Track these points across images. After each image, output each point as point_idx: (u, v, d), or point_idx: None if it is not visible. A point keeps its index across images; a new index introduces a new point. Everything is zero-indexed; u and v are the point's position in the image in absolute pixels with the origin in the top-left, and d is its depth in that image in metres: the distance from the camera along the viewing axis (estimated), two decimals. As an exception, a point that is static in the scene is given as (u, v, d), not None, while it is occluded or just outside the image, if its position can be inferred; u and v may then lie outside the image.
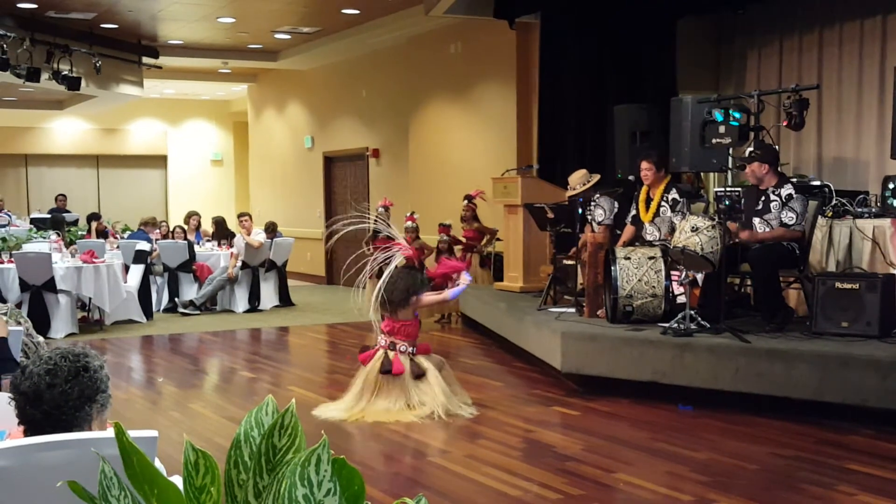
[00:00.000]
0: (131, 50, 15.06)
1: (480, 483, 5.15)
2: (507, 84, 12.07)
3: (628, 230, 8.15)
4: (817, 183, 8.42)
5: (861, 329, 6.70)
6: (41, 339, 4.60)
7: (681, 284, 7.37)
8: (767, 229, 7.22)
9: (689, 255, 6.87)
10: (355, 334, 10.83)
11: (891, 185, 7.63)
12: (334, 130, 16.77)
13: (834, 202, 7.94)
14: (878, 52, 9.10)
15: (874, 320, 6.67)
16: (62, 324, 10.79)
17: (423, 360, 6.83)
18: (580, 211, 8.68)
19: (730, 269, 7.21)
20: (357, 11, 12.95)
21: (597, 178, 8.79)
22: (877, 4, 9.08)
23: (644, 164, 7.93)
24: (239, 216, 13.58)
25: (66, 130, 21.63)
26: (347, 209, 16.55)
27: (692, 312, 7.00)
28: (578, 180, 8.76)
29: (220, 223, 14.29)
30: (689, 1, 10.21)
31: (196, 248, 13.40)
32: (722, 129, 7.81)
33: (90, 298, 11.23)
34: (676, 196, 7.84)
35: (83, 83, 13.89)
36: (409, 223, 11.62)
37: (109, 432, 2.48)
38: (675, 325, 7.01)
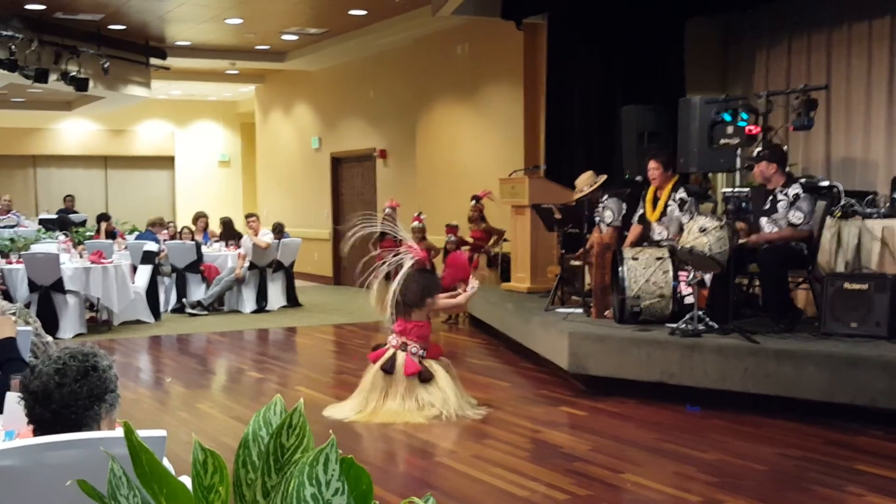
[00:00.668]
0: (139, 51, 15.09)
1: (488, 483, 5.15)
2: (515, 85, 12.07)
3: (635, 229, 8.13)
4: (826, 183, 8.39)
5: (870, 330, 6.67)
6: (50, 339, 4.60)
7: (689, 285, 7.35)
8: (775, 229, 7.20)
9: (697, 256, 6.85)
10: (362, 335, 10.83)
11: (900, 186, 7.60)
12: (342, 131, 16.78)
13: (843, 202, 7.92)
14: (886, 53, 9.08)
15: (883, 321, 6.65)
16: (70, 324, 10.82)
17: (433, 364, 6.83)
18: (588, 212, 8.67)
19: (738, 270, 7.19)
20: (364, 12, 12.96)
21: (603, 178, 8.78)
22: (886, 5, 9.06)
23: (652, 164, 7.92)
24: (246, 217, 13.60)
25: (74, 131, 21.69)
26: (355, 210, 16.59)
27: (700, 313, 6.98)
28: (585, 181, 8.75)
29: (227, 224, 14.31)
30: (698, 1, 10.19)
31: (204, 248, 13.42)
32: (730, 129, 7.79)
33: (98, 299, 11.26)
34: (684, 195, 7.83)
35: (91, 84, 13.92)
36: (416, 223, 11.63)
37: (118, 432, 2.49)
38: (683, 325, 7.00)
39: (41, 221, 15.51)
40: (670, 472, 5.33)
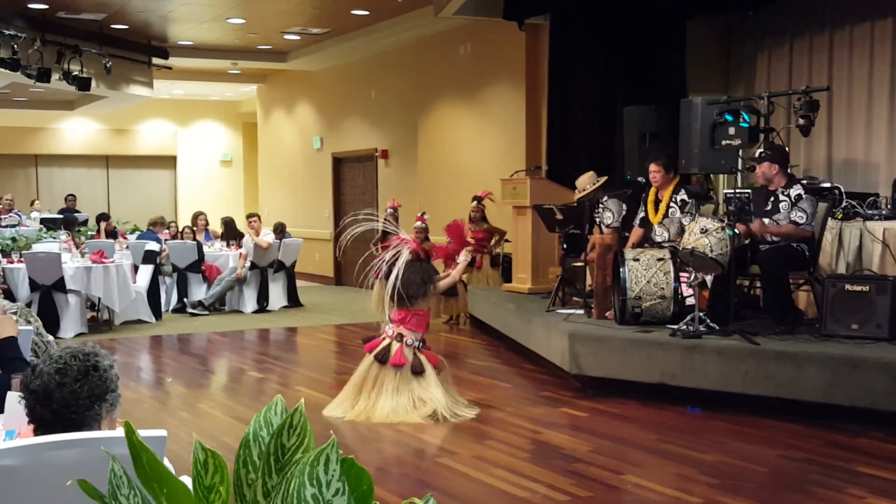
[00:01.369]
0: (141, 51, 15.10)
1: (488, 484, 5.15)
2: (517, 85, 12.07)
3: (636, 232, 8.13)
4: (827, 185, 8.39)
5: (871, 331, 6.67)
6: (51, 338, 4.61)
7: (690, 286, 7.35)
8: (776, 230, 7.20)
9: (698, 257, 6.85)
10: (364, 335, 10.80)
11: (901, 188, 7.60)
12: (343, 131, 16.79)
13: (844, 204, 7.92)
14: (888, 54, 9.08)
15: (884, 322, 6.65)
16: (71, 323, 10.82)
17: (424, 360, 6.80)
18: (589, 213, 8.67)
19: (739, 271, 7.19)
20: (366, 12, 12.96)
21: (604, 179, 8.78)
22: (887, 6, 9.06)
23: (652, 167, 7.92)
24: (248, 217, 13.60)
25: (76, 131, 21.70)
26: (356, 210, 16.58)
27: (701, 314, 6.98)
28: (587, 181, 8.76)
29: (229, 224, 14.31)
30: (699, 2, 10.19)
31: (205, 248, 13.43)
32: (732, 130, 7.79)
33: (99, 298, 11.26)
34: (685, 197, 7.83)
35: (93, 84, 13.93)
36: (419, 223, 11.62)
37: (119, 431, 2.49)
38: (684, 326, 7.00)
39: (42, 221, 15.52)
40: (671, 473, 5.33)
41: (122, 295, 11.22)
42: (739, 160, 8.24)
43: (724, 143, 7.89)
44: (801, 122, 7.78)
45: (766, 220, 7.22)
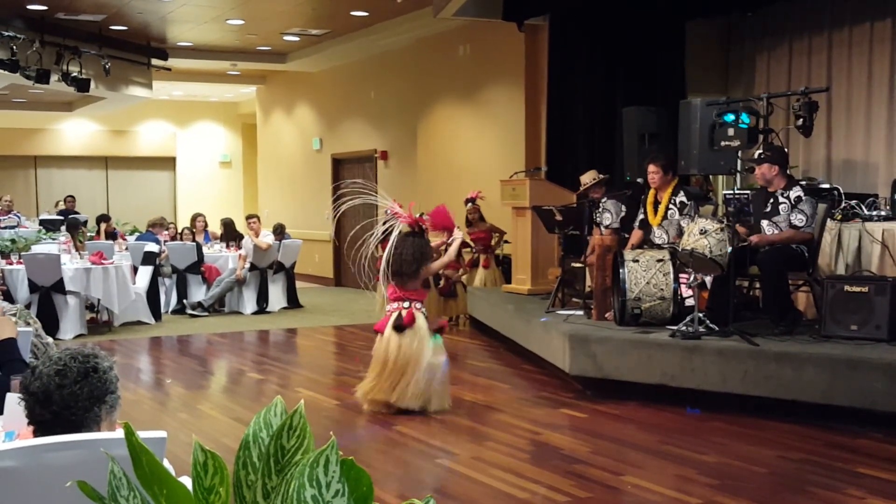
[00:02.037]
0: (140, 52, 15.10)
1: (488, 485, 5.15)
2: (516, 86, 12.07)
3: (636, 234, 8.13)
4: (826, 186, 8.39)
5: (870, 332, 6.67)
6: (50, 340, 4.61)
7: (689, 287, 7.35)
8: (776, 231, 7.20)
9: (697, 258, 6.85)
10: (363, 336, 10.82)
11: (900, 188, 7.60)
12: (343, 132, 16.79)
13: (843, 205, 7.92)
14: (887, 55, 9.08)
15: (883, 323, 6.65)
16: (71, 325, 10.81)
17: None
18: (589, 214, 8.67)
19: (738, 272, 7.19)
20: (366, 13, 12.97)
21: (605, 176, 8.80)
22: (886, 7, 9.06)
23: (651, 168, 7.92)
24: (247, 218, 13.60)
25: (75, 132, 21.70)
26: (356, 211, 16.59)
27: (700, 315, 6.98)
28: (589, 178, 8.78)
29: (228, 225, 14.31)
30: (699, 3, 10.20)
31: (204, 249, 13.42)
32: (731, 131, 7.79)
33: (99, 300, 11.26)
34: (684, 198, 7.83)
35: (92, 85, 13.93)
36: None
37: (119, 433, 2.49)
38: (684, 327, 7.00)
39: (42, 222, 15.51)
40: (670, 474, 5.33)
41: (121, 296, 11.22)
42: (738, 161, 8.24)
43: (723, 144, 7.89)
44: (801, 122, 7.78)
45: (765, 222, 7.22)
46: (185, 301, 12.97)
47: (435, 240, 7.24)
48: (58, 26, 13.34)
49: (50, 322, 10.06)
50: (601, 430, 6.31)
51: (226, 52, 16.02)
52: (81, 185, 21.32)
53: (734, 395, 6.63)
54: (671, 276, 7.40)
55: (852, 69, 9.44)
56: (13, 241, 12.16)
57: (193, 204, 20.18)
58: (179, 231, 14.32)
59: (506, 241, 11.48)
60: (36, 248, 11.93)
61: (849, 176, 9.32)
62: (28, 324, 4.51)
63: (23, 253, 11.39)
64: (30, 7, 12.48)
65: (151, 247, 12.42)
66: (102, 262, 11.13)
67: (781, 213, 7.17)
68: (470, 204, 11.63)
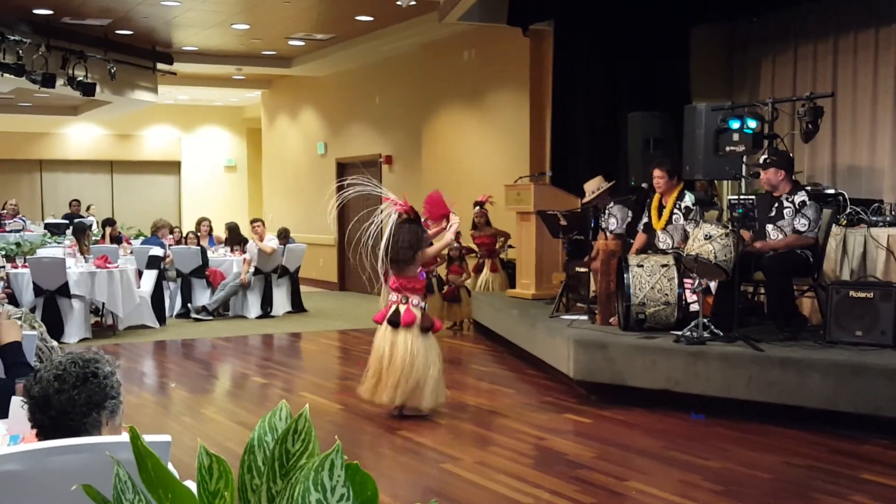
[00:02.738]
0: (146, 56, 15.13)
1: (492, 490, 5.14)
2: (521, 91, 12.08)
3: (640, 238, 8.13)
4: (831, 191, 8.38)
5: (875, 338, 6.66)
6: (55, 343, 4.61)
7: (694, 292, 7.35)
8: (780, 236, 7.19)
9: (702, 263, 6.85)
10: (368, 340, 10.78)
11: (906, 194, 7.59)
12: (347, 137, 16.80)
13: (848, 211, 7.91)
14: (892, 61, 9.07)
15: (888, 329, 6.64)
16: (76, 328, 10.83)
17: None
18: (594, 219, 8.67)
19: (743, 277, 7.18)
20: (371, 18, 12.98)
21: (611, 183, 8.79)
22: (892, 13, 9.05)
23: (656, 172, 7.92)
24: (252, 222, 13.61)
25: (80, 136, 21.75)
26: (360, 216, 16.57)
27: (705, 320, 6.97)
28: (594, 185, 8.78)
29: (233, 229, 14.32)
30: (704, 9, 10.19)
31: (209, 253, 13.43)
32: (736, 136, 7.79)
33: (103, 303, 11.27)
34: (689, 203, 7.82)
35: (98, 89, 13.96)
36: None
37: (124, 437, 2.49)
38: (688, 332, 6.99)
39: (47, 226, 15.55)
40: (675, 479, 5.32)
41: (126, 300, 11.23)
42: (743, 166, 8.23)
43: (727, 149, 7.88)
44: (806, 128, 7.77)
45: (770, 227, 7.22)
46: (189, 305, 12.98)
47: (434, 228, 7.21)
48: (64, 30, 13.38)
49: (55, 326, 10.08)
50: (605, 435, 6.30)
51: (231, 56, 16.05)
52: (86, 189, 21.36)
53: (739, 401, 6.61)
54: (676, 281, 7.39)
55: (857, 75, 9.43)
56: (18, 244, 12.20)
57: (198, 208, 20.20)
58: (184, 235, 14.34)
59: (510, 246, 11.48)
60: (41, 252, 11.96)
61: (854, 181, 9.31)
62: (33, 327, 4.51)
63: (28, 257, 11.41)
64: (36, 11, 12.51)
65: (156, 251, 12.43)
66: (107, 265, 11.15)
67: (786, 217, 7.16)
68: (478, 207, 11.62)
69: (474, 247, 11.78)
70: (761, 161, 7.46)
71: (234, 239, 14.08)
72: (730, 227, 6.92)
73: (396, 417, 6.79)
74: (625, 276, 7.46)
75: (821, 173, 9.69)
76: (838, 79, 9.59)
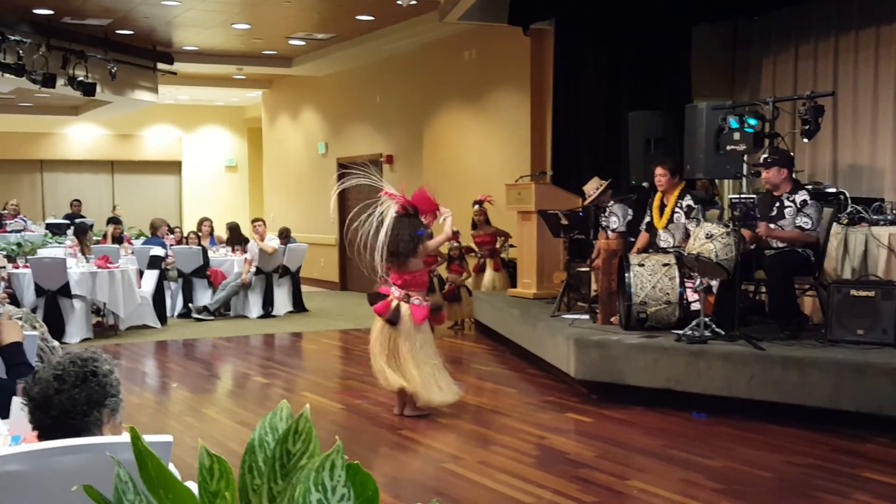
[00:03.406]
0: (146, 56, 15.13)
1: (494, 489, 5.14)
2: (522, 90, 12.08)
3: (642, 237, 8.13)
4: (833, 190, 8.38)
5: (877, 337, 6.66)
6: (56, 343, 4.61)
7: (695, 291, 7.34)
8: (782, 235, 7.19)
9: (703, 262, 6.84)
10: (368, 340, 10.81)
11: (907, 193, 7.59)
12: (348, 136, 16.81)
13: (849, 209, 7.90)
14: (893, 59, 9.06)
15: (890, 328, 6.64)
16: (77, 329, 10.83)
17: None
18: (594, 218, 8.67)
19: (744, 276, 7.18)
20: (371, 18, 12.98)
21: (608, 182, 8.80)
22: (893, 11, 9.04)
23: (658, 170, 7.91)
24: (253, 222, 13.62)
25: (81, 136, 21.76)
26: (362, 215, 16.58)
27: (706, 319, 6.97)
28: (592, 187, 8.77)
29: (234, 229, 14.33)
30: (705, 8, 10.19)
31: (210, 253, 13.44)
32: (737, 135, 7.79)
33: (105, 303, 11.28)
34: (691, 202, 7.82)
35: (98, 89, 13.97)
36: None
37: (124, 437, 2.49)
38: (690, 332, 6.99)
39: (48, 226, 15.55)
40: (676, 478, 5.32)
41: (127, 300, 11.24)
42: (744, 165, 8.22)
43: (729, 148, 7.87)
44: (807, 127, 7.77)
45: (772, 226, 7.21)
46: (190, 305, 12.99)
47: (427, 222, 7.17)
48: (64, 30, 13.38)
49: (56, 326, 10.08)
50: (607, 434, 6.30)
51: (231, 56, 16.06)
52: (87, 189, 21.38)
53: (740, 400, 6.61)
54: (677, 280, 7.39)
55: (858, 73, 9.42)
56: (19, 244, 12.20)
57: (199, 208, 20.22)
58: (185, 235, 14.34)
59: (511, 245, 11.47)
60: (42, 252, 11.96)
61: (855, 180, 9.30)
62: (34, 327, 4.51)
63: (29, 257, 11.42)
64: (36, 11, 12.51)
65: (157, 251, 12.44)
66: (108, 266, 11.15)
67: (787, 216, 7.15)
68: (477, 206, 11.62)
69: (474, 246, 11.78)
70: (762, 160, 7.46)
71: (235, 239, 14.09)
72: (731, 226, 6.91)
73: (400, 416, 6.80)
74: (626, 275, 7.46)
75: (822, 172, 9.68)
76: (839, 77, 9.59)
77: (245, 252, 13.33)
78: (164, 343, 10.98)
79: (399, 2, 11.32)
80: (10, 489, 2.39)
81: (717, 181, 9.76)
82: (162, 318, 12.04)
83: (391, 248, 6.59)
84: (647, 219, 8.12)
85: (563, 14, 10.83)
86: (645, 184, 8.76)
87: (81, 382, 2.51)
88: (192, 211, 21.25)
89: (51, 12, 12.60)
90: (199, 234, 14.13)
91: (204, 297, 13.11)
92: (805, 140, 8.04)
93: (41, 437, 2.53)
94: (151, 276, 11.99)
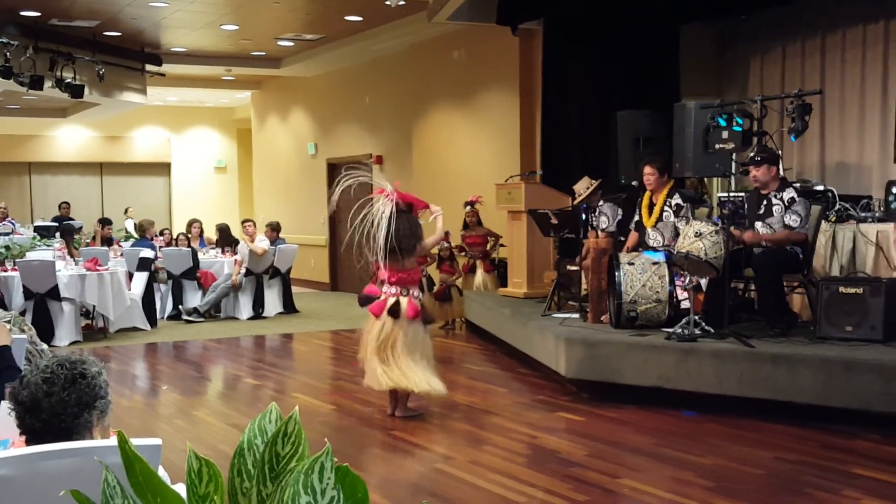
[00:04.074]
0: (135, 57, 15.10)
1: (485, 489, 5.14)
2: (511, 90, 12.08)
3: (632, 237, 8.14)
4: (820, 188, 8.41)
5: (865, 333, 6.68)
6: (45, 346, 4.60)
7: (685, 289, 7.36)
8: (770, 233, 7.20)
9: (692, 261, 6.86)
10: (359, 341, 10.80)
11: (894, 190, 7.62)
12: (338, 137, 16.79)
13: (837, 207, 7.93)
14: (880, 57, 9.10)
15: (878, 324, 6.66)
16: (66, 332, 10.79)
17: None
18: (584, 217, 8.68)
19: (734, 274, 7.20)
20: (360, 18, 12.98)
21: (598, 182, 8.80)
22: (879, 10, 9.08)
23: (647, 169, 7.93)
24: (243, 223, 13.60)
25: (69, 138, 21.69)
26: (351, 216, 16.57)
27: (696, 317, 6.99)
28: (581, 187, 8.78)
29: (223, 230, 14.31)
30: (693, 7, 10.21)
31: (200, 255, 13.41)
32: (725, 134, 7.81)
33: (94, 306, 11.24)
34: (679, 201, 7.83)
35: (86, 91, 13.92)
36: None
37: (113, 440, 2.48)
38: (680, 330, 7.00)
39: (36, 229, 15.49)
40: (668, 476, 5.33)
41: (116, 302, 11.20)
42: (733, 164, 8.25)
43: (717, 146, 7.90)
44: (794, 125, 7.80)
45: (759, 224, 7.23)
46: (180, 307, 12.95)
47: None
48: (51, 32, 13.34)
49: (45, 329, 10.05)
50: (598, 433, 6.31)
51: (220, 57, 16.02)
52: (76, 191, 21.31)
53: (730, 398, 6.63)
54: (666, 278, 7.41)
55: (845, 72, 9.46)
56: (8, 247, 12.15)
57: (189, 209, 20.18)
58: (175, 237, 14.31)
59: (502, 245, 11.48)
60: (31, 255, 11.92)
61: (842, 178, 9.34)
62: (23, 331, 4.50)
63: (17, 260, 11.37)
64: (23, 13, 12.47)
65: (147, 253, 12.41)
66: (97, 268, 11.12)
67: (775, 214, 7.17)
68: (469, 207, 11.62)
69: (464, 246, 11.78)
70: (750, 158, 7.48)
71: (225, 240, 14.06)
72: (720, 225, 6.93)
73: (392, 417, 6.80)
74: (616, 273, 7.47)
75: (810, 170, 9.72)
76: (826, 76, 9.63)
77: (235, 253, 13.31)
78: (153, 345, 10.95)
79: (387, 2, 11.31)
80: (-1, 494, 2.38)
81: (705, 179, 9.79)
82: (152, 320, 12.01)
83: (393, 244, 6.54)
84: (637, 218, 8.14)
85: (552, 14, 10.84)
86: (634, 182, 8.77)
87: (71, 385, 2.50)
88: (181, 212, 21.21)
89: (38, 14, 12.55)
90: (189, 235, 14.10)
91: (194, 298, 13.08)
92: (793, 138, 8.06)
93: (29, 442, 2.52)
94: (141, 279, 11.96)
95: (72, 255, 11.88)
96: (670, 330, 7.11)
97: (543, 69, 11.04)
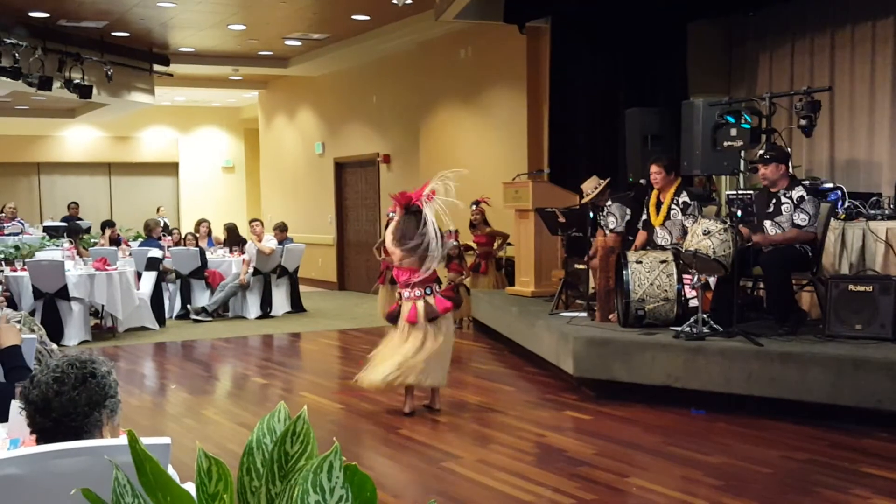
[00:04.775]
0: (142, 58, 15.13)
1: (493, 488, 5.14)
2: (518, 88, 12.07)
3: (641, 235, 8.12)
4: (830, 185, 8.39)
5: (875, 331, 6.66)
6: (55, 346, 4.61)
7: (693, 288, 7.34)
8: (779, 232, 7.19)
9: (701, 259, 6.85)
10: (367, 340, 10.81)
11: (903, 187, 7.60)
12: (345, 136, 16.80)
13: (847, 204, 7.91)
14: (890, 54, 9.07)
15: (888, 322, 6.64)
16: (75, 331, 10.83)
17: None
18: (592, 215, 8.67)
19: (742, 273, 7.19)
20: (367, 17, 12.98)
21: (606, 181, 8.78)
22: (889, 6, 9.05)
23: (653, 168, 7.92)
24: (250, 222, 13.63)
25: (77, 138, 21.74)
26: (358, 215, 16.62)
27: (704, 316, 6.97)
28: (590, 186, 8.77)
29: (231, 230, 14.33)
30: (700, 4, 10.20)
31: (208, 254, 13.44)
32: (734, 132, 7.79)
33: (103, 306, 11.27)
34: (687, 199, 7.82)
35: (95, 91, 13.96)
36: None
37: (123, 440, 2.49)
38: (688, 328, 6.99)
39: (45, 229, 15.53)
40: (676, 475, 5.32)
41: (125, 302, 11.23)
42: (741, 161, 8.23)
43: (725, 144, 7.89)
44: (803, 122, 7.78)
45: (768, 223, 7.21)
46: (189, 306, 12.98)
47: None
48: (60, 33, 13.37)
49: (54, 329, 10.08)
50: (606, 431, 6.30)
51: (227, 57, 16.05)
52: (85, 191, 21.37)
53: (739, 396, 6.62)
54: (675, 277, 7.39)
55: (855, 68, 9.43)
56: (17, 247, 12.18)
57: (197, 209, 20.22)
58: (183, 236, 14.34)
59: (509, 244, 11.47)
60: (40, 255, 11.95)
61: (852, 175, 9.31)
62: (32, 330, 4.51)
63: (27, 260, 11.40)
64: (32, 14, 12.51)
65: (155, 252, 12.43)
66: (106, 268, 11.14)
67: (784, 213, 7.15)
68: (475, 206, 11.61)
69: (473, 244, 11.77)
70: (759, 156, 7.46)
71: (233, 239, 14.08)
72: (728, 223, 6.92)
73: (406, 415, 6.81)
74: (624, 272, 7.46)
75: (819, 167, 9.69)
76: (836, 73, 9.59)
77: (243, 253, 13.33)
78: (162, 345, 10.98)
79: (394, 1, 11.31)
80: (9, 493, 2.39)
81: (714, 177, 9.76)
82: (160, 319, 12.04)
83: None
84: (644, 216, 8.12)
85: (559, 12, 10.83)
86: (642, 181, 8.76)
87: (81, 384, 2.51)
88: (189, 212, 21.25)
89: (47, 15, 12.59)
90: (197, 235, 14.13)
91: (202, 298, 13.10)
92: (807, 137, 8.04)
93: (40, 441, 2.53)
94: (149, 278, 11.98)
95: (80, 255, 11.89)
96: (678, 328, 7.10)
97: (551, 67, 11.03)
